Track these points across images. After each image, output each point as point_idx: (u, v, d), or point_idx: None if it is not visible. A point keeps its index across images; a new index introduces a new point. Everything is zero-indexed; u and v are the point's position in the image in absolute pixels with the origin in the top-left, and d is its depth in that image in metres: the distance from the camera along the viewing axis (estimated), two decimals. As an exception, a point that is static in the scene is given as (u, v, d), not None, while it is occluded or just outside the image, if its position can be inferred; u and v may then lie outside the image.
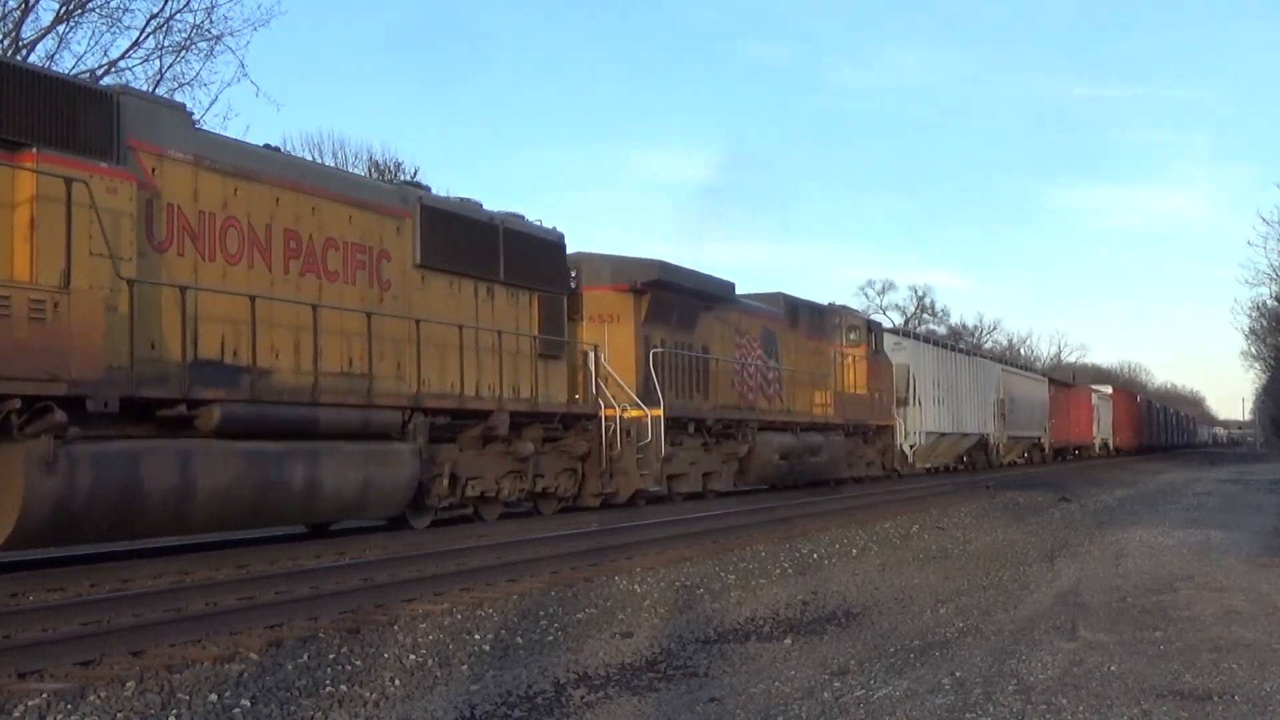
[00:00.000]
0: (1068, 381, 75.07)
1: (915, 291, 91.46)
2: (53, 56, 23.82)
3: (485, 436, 17.21)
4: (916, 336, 40.72)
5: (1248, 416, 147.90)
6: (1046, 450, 56.82)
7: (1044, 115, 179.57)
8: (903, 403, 35.03)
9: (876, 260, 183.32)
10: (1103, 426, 70.81)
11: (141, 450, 11.75)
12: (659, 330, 22.19)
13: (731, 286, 25.25)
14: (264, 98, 45.33)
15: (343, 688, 6.61)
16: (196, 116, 23.83)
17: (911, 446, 35.68)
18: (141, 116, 12.62)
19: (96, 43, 28.75)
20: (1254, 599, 9.95)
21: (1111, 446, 72.63)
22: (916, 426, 36.15)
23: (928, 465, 39.96)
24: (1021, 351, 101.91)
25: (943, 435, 39.25)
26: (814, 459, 28.00)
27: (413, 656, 7.44)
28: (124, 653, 7.19)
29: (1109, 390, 78.18)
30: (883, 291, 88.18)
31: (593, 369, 20.38)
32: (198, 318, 12.83)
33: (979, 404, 43.81)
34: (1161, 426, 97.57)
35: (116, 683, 6.43)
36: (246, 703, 6.19)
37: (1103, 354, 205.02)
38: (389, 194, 16.90)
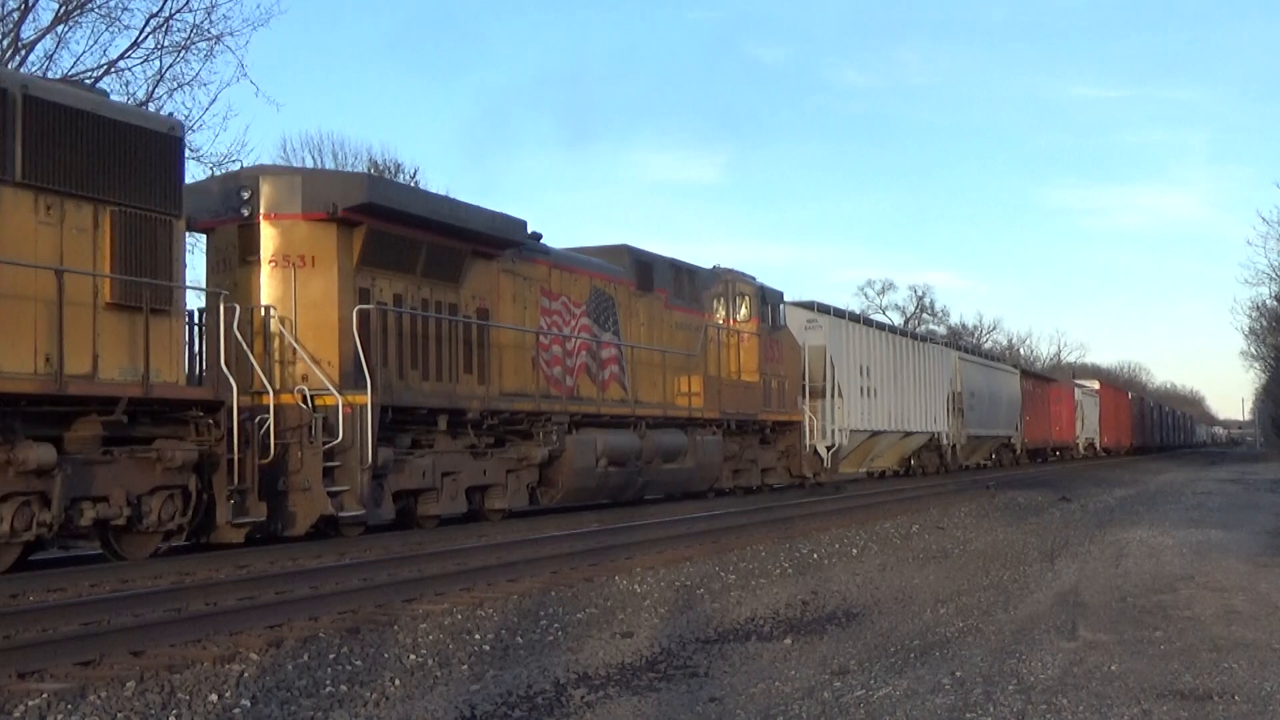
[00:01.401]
0: (1047, 375, 70.36)
1: (915, 291, 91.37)
2: (51, 56, 23.77)
3: None
4: (838, 313, 31.64)
5: (1247, 416, 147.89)
6: (1019, 451, 50.23)
7: (1044, 115, 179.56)
8: (818, 394, 28.30)
9: (876, 260, 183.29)
10: (1087, 425, 65.78)
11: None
12: (388, 280, 15.73)
13: (521, 225, 17.92)
14: (264, 98, 45.12)
15: (343, 688, 6.61)
16: (196, 117, 23.78)
17: (830, 448, 28.71)
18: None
19: (95, 42, 28.60)
20: (1254, 599, 9.95)
21: (1098, 447, 67.87)
22: (838, 423, 29.14)
23: (862, 470, 34.30)
24: (1021, 351, 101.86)
25: (877, 434, 32.57)
26: (671, 465, 21.47)
27: (413, 656, 7.44)
28: (124, 653, 7.19)
29: (1095, 386, 72.52)
30: (883, 291, 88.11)
31: (237, 334, 13.48)
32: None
33: (928, 397, 36.87)
34: (1156, 425, 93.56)
35: (116, 683, 6.43)
36: (246, 703, 6.19)
37: (1103, 354, 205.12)
38: None
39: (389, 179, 18.33)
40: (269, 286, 14.89)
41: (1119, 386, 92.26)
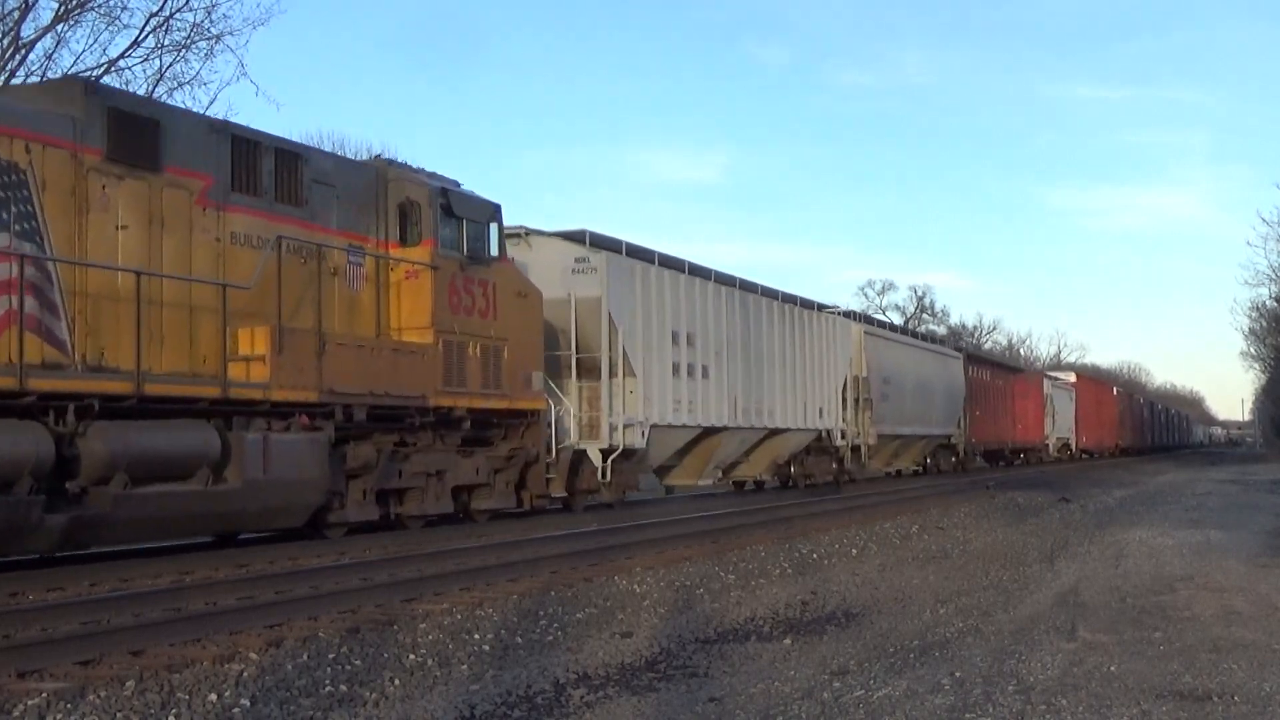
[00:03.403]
0: (1008, 363, 62.70)
1: (915, 291, 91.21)
2: (51, 55, 23.71)
3: None
4: (634, 251, 20.90)
5: (1247, 417, 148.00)
6: (961, 455, 40.81)
7: (1044, 116, 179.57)
8: (589, 371, 19.67)
9: (876, 260, 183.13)
10: (1059, 423, 57.09)
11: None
12: None
13: None
14: (264, 97, 45.16)
15: (342, 688, 6.62)
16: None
17: (609, 452, 19.58)
18: None
19: (95, 41, 28.59)
20: (1253, 599, 9.95)
21: (1074, 448, 60.00)
22: (627, 415, 19.86)
23: (704, 481, 24.83)
24: (1021, 351, 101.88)
25: (711, 431, 22.80)
26: (168, 488, 11.89)
27: (412, 656, 7.44)
28: (124, 653, 7.19)
29: (1071, 379, 64.34)
30: (883, 291, 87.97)
31: None
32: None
33: (810, 382, 27.21)
34: (1149, 425, 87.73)
35: (116, 683, 6.43)
36: (246, 703, 6.19)
37: (1103, 354, 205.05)
38: None
39: None
40: None
41: (1103, 380, 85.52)
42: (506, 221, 17.55)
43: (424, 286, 15.58)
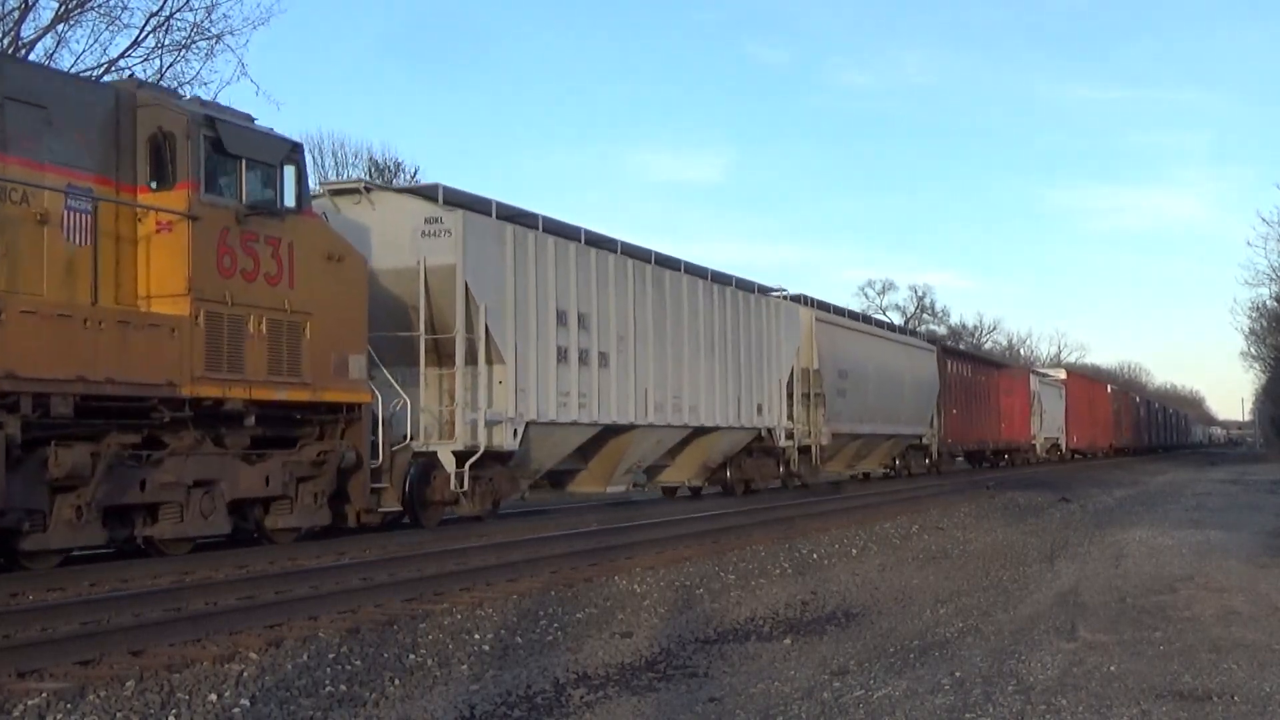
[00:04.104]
0: (991, 358, 59.89)
1: (915, 291, 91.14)
2: (51, 55, 23.71)
3: None
4: (506, 212, 17.41)
5: (1247, 417, 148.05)
6: (935, 456, 37.31)
7: (1045, 116, 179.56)
8: (441, 358, 16.24)
9: (876, 260, 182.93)
10: (1048, 422, 54.02)
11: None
12: None
13: None
14: (264, 97, 45.06)
15: (342, 688, 6.62)
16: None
17: (469, 455, 16.04)
18: None
19: (96, 41, 28.59)
20: (1253, 599, 9.95)
21: (1064, 448, 56.91)
22: (495, 410, 16.32)
23: (615, 488, 20.70)
24: (1021, 351, 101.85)
25: (613, 431, 19.30)
26: None
27: (412, 656, 7.44)
28: (124, 653, 7.19)
29: (1061, 375, 61.35)
30: (883, 291, 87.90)
31: None
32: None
33: (742, 375, 23.52)
34: (1144, 424, 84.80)
35: (116, 683, 6.43)
36: (246, 703, 6.19)
37: (1103, 354, 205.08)
38: None
39: None
40: None
41: (1096, 378, 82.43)
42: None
43: (178, 242, 11.95)
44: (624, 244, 19.98)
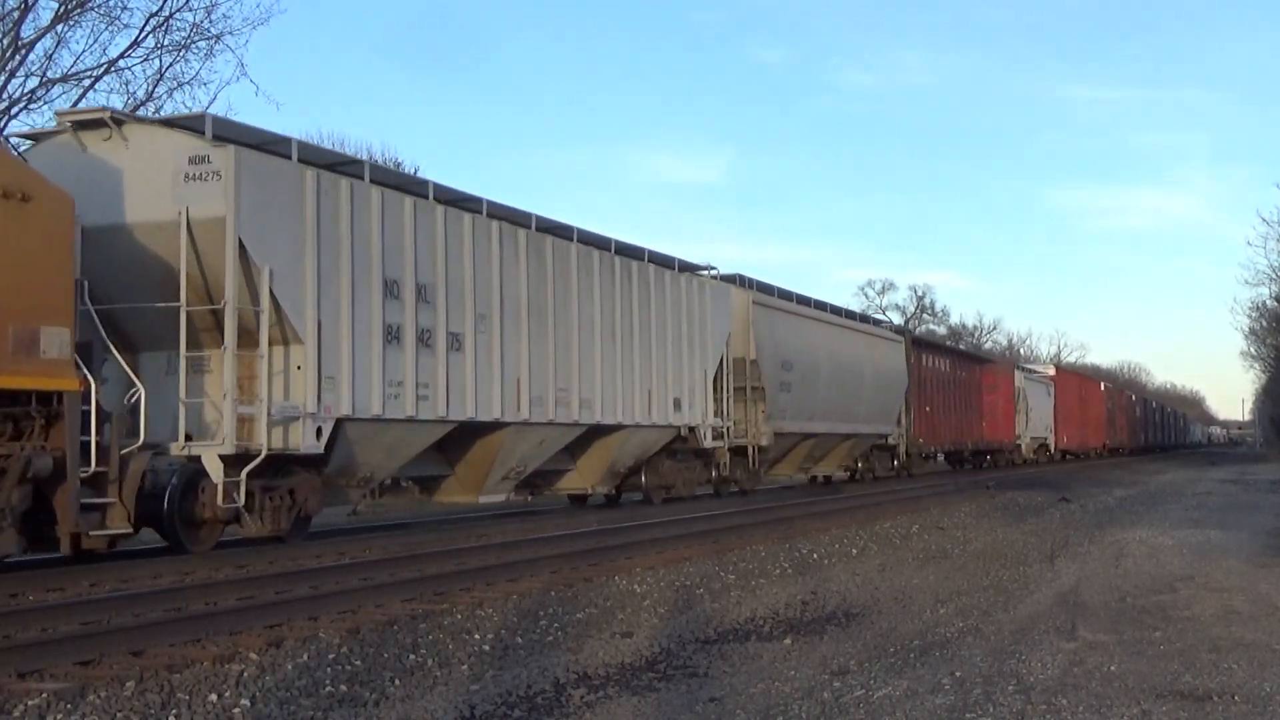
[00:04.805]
0: (971, 352, 56.73)
1: (915, 291, 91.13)
2: (51, 55, 23.73)
3: None
4: (294, 153, 13.76)
5: (1247, 416, 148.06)
6: (902, 458, 34.29)
7: (1045, 116, 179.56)
8: (204, 336, 13.11)
9: (876, 260, 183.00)
10: (1034, 421, 50.56)
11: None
12: None
13: None
14: (263, 97, 45.09)
15: (342, 688, 6.61)
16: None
17: (241, 459, 12.74)
18: None
19: (95, 41, 28.62)
20: (1254, 599, 9.95)
21: (1052, 449, 53.88)
22: (286, 404, 13.22)
23: (495, 497, 17.69)
24: (1021, 351, 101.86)
25: (477, 429, 16.29)
26: None
27: (412, 656, 7.44)
28: (124, 653, 7.19)
29: (1049, 371, 58.38)
30: (883, 291, 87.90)
31: None
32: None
33: (654, 365, 20.16)
34: (1140, 423, 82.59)
35: (116, 683, 6.43)
36: (246, 703, 6.19)
37: (1103, 354, 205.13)
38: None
39: None
40: None
41: (1090, 376, 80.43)
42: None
43: None
44: (492, 204, 16.69)
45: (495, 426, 16.43)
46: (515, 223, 17.15)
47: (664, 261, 21.15)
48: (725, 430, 22.64)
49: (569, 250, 18.18)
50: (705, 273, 22.70)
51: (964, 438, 40.76)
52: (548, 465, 18.76)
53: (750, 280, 25.23)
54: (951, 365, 40.30)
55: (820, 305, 29.20)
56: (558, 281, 17.77)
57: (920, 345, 38.13)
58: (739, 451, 23.49)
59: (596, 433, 18.99)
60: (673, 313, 20.99)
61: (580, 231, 18.66)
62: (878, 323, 36.55)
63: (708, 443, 21.99)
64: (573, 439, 18.64)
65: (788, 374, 25.39)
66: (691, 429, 21.45)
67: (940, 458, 40.67)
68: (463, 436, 16.20)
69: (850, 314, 32.38)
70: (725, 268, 23.64)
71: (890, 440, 33.11)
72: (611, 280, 19.20)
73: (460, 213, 16.02)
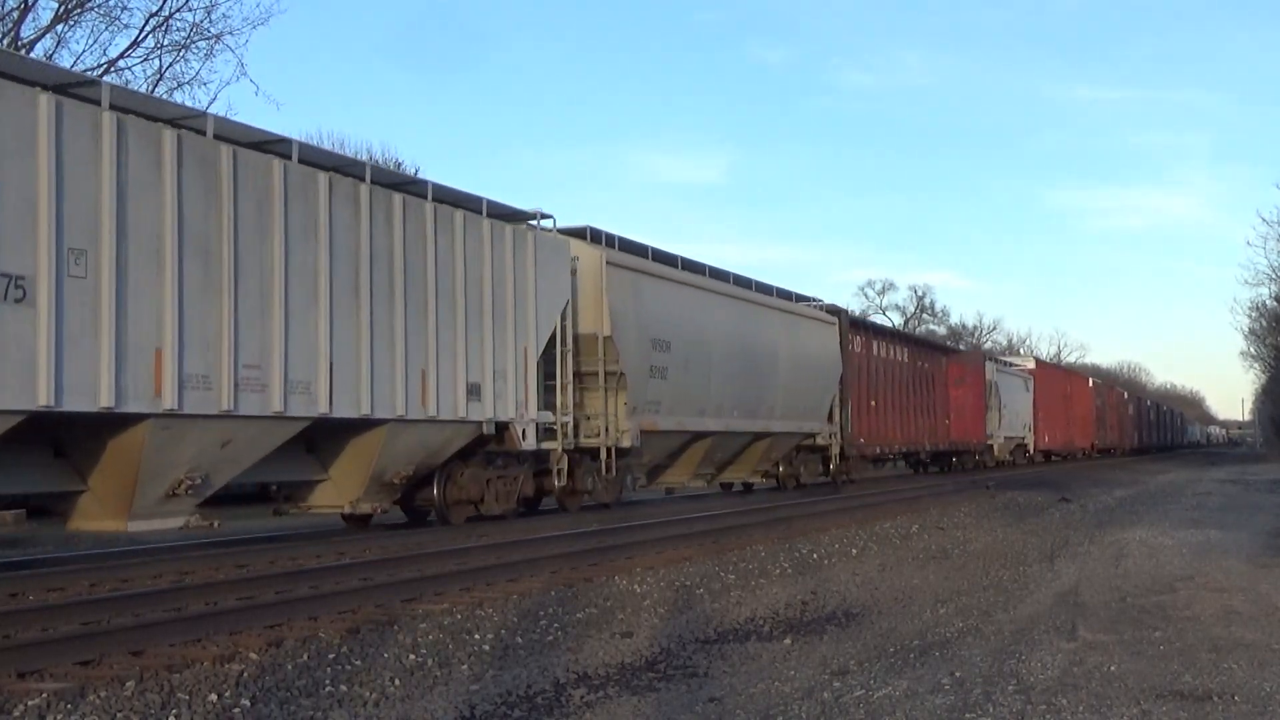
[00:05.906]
0: (930, 340, 51.14)
1: (915, 291, 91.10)
2: (51, 55, 23.80)
3: None
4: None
5: (1247, 416, 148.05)
6: (835, 461, 28.14)
7: (1045, 116, 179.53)
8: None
9: (876, 260, 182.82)
10: (1009, 419, 45.04)
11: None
12: None
13: None
14: (263, 96, 45.08)
15: (343, 688, 6.61)
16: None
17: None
18: None
19: (95, 41, 28.63)
20: (1254, 599, 9.95)
21: (1032, 449, 48.69)
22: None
23: (150, 524, 11.66)
24: (1021, 351, 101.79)
25: (115, 427, 11.08)
26: None
27: (412, 656, 7.44)
28: (124, 653, 7.19)
29: (1028, 365, 51.93)
30: (883, 291, 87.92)
31: None
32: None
33: (428, 336, 14.75)
34: (1133, 422, 78.86)
35: (116, 683, 6.42)
36: (246, 703, 6.19)
37: (1103, 354, 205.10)
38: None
39: None
40: None
41: (1076, 372, 75.75)
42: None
43: None
44: (116, 87, 11.59)
45: (127, 421, 11.10)
46: (174, 123, 11.66)
47: (462, 201, 15.74)
48: (562, 428, 17.52)
49: (270, 168, 12.62)
50: (535, 222, 17.20)
51: (920, 438, 35.11)
52: (274, 474, 13.78)
53: (608, 236, 19.61)
54: (910, 355, 34.88)
55: (719, 274, 23.36)
56: (249, 217, 12.26)
57: (863, 330, 32.30)
58: (590, 454, 18.48)
59: (345, 430, 14.03)
60: (470, 269, 15.60)
61: (303, 146, 13.43)
62: (800, 297, 28.01)
63: (529, 443, 16.65)
64: (286, 439, 13.05)
65: (662, 356, 19.87)
66: (502, 425, 16.10)
67: (899, 461, 36.27)
68: (82, 438, 11.31)
69: (764, 287, 25.44)
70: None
71: (820, 441, 27.49)
72: (355, 218, 13.72)
73: (78, 104, 10.58)
